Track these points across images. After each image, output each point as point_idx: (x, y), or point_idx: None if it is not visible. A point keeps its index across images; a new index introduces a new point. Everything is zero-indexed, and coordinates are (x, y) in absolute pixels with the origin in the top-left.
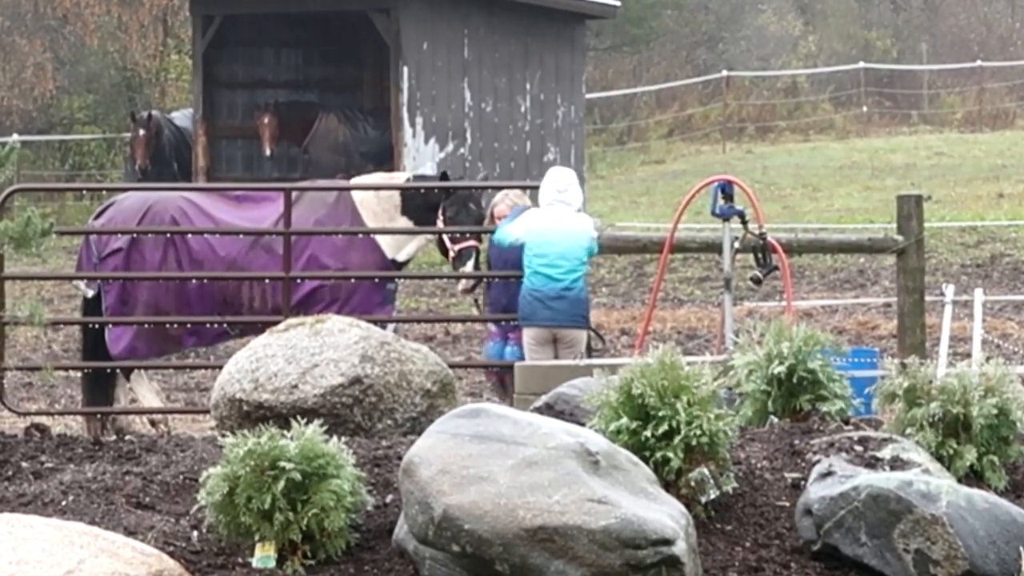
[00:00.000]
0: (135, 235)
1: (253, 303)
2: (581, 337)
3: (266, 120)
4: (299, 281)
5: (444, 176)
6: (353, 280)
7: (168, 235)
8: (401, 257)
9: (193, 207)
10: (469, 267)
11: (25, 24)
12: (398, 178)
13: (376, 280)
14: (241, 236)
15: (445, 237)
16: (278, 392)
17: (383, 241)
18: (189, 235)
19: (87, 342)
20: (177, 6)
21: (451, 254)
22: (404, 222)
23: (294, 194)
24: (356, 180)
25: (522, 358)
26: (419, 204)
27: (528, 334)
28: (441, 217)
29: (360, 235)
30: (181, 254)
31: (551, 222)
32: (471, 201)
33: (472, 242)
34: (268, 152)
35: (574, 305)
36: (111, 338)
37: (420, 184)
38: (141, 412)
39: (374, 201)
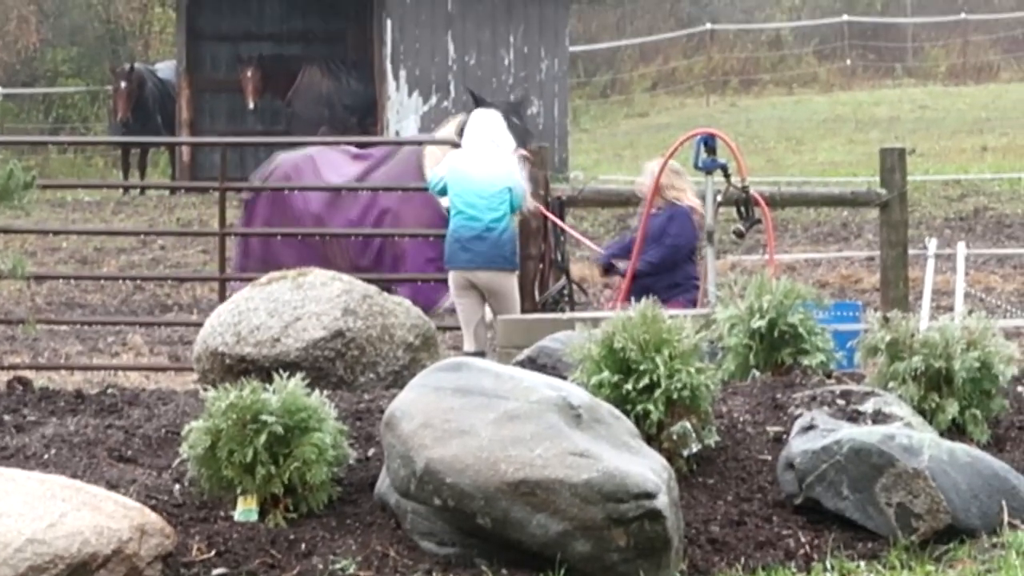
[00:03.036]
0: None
1: (335, 260)
2: (507, 283)
3: (249, 73)
4: (371, 241)
5: (474, 97)
6: (406, 238)
7: (278, 191)
8: None
9: (310, 163)
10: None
11: None
12: (452, 125)
13: (426, 238)
14: (323, 194)
15: None
16: (260, 345)
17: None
18: (295, 192)
19: None
20: None
21: None
22: None
23: (391, 149)
24: (437, 134)
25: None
26: None
27: (450, 279)
28: None
29: (414, 189)
30: (286, 209)
31: (474, 162)
32: (513, 115)
33: (519, 151)
34: (251, 105)
35: (494, 247)
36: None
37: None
38: (125, 368)
39: (438, 152)
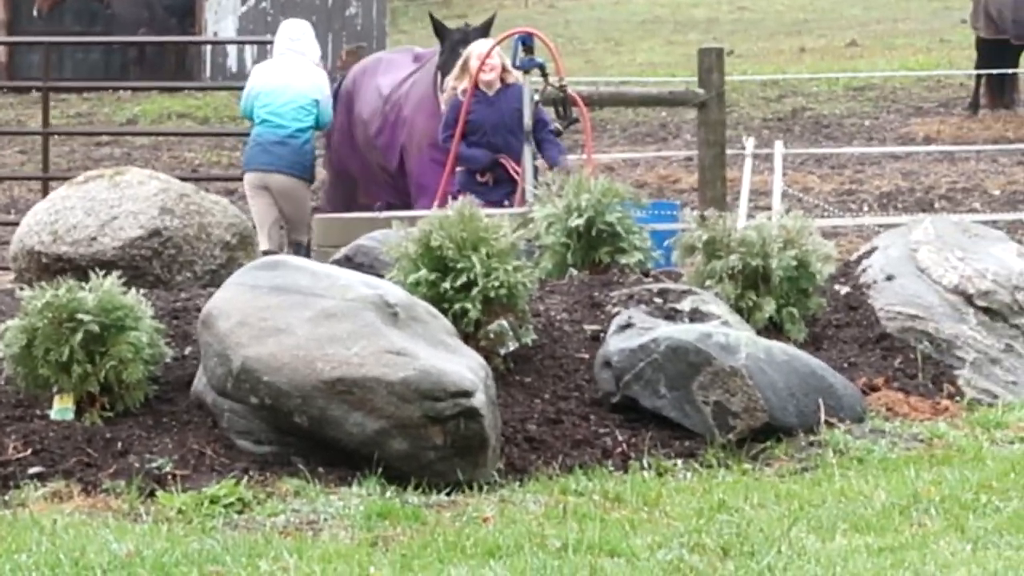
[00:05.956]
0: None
1: (377, 162)
2: (301, 191)
3: None
4: (394, 143)
5: (435, 24)
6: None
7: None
8: None
9: (375, 65)
10: None
11: None
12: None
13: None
14: (371, 99)
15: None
16: (77, 244)
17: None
18: (357, 95)
19: None
20: None
21: None
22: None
23: (424, 57)
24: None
25: None
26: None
27: (246, 180)
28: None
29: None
30: (350, 113)
31: (280, 71)
32: (462, 44)
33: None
34: (36, 12)
35: (295, 153)
36: None
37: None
38: None
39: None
